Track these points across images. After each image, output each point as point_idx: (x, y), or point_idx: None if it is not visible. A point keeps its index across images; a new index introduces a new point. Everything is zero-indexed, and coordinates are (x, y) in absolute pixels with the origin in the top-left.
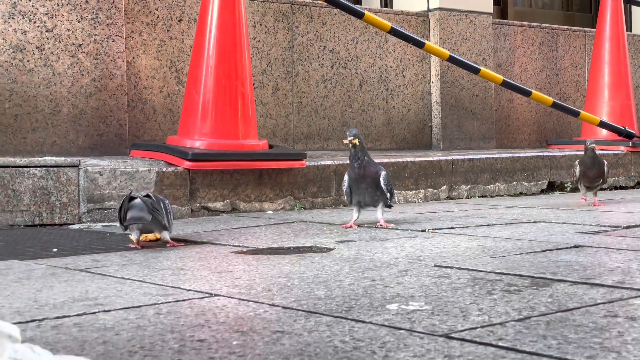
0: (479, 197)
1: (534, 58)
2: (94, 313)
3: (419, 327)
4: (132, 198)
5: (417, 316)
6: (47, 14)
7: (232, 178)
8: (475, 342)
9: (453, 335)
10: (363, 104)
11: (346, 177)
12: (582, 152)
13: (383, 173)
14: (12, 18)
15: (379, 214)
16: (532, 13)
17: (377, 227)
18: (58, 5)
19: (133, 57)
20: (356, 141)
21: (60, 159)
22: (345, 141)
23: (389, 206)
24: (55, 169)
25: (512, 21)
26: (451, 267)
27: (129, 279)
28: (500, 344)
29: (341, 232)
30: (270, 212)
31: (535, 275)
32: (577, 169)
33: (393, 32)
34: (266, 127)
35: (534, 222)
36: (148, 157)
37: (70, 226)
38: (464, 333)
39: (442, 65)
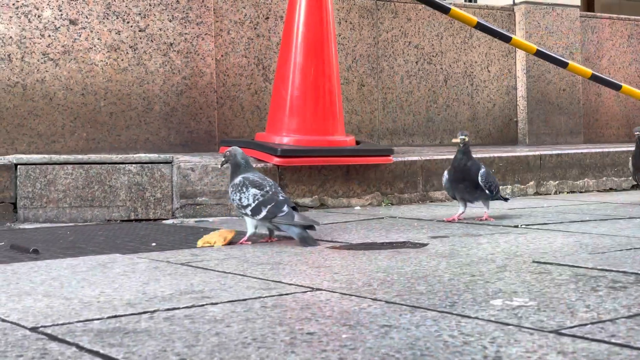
0: (567, 192)
1: (622, 51)
2: (203, 305)
3: (526, 323)
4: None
5: (523, 312)
6: (139, 13)
7: (320, 174)
8: (587, 338)
9: (563, 331)
10: (448, 99)
11: (445, 173)
12: None
13: (482, 171)
14: (107, 18)
15: (484, 209)
16: (620, 5)
17: (478, 222)
18: (150, 5)
19: (222, 55)
20: (465, 139)
21: (154, 156)
22: (456, 140)
23: (505, 199)
24: (150, 165)
25: (599, 14)
26: (550, 263)
27: (230, 272)
28: (613, 340)
29: (433, 227)
30: (357, 207)
31: None
32: None
33: (479, 27)
34: (352, 124)
35: (629, 218)
36: None
37: (164, 221)
38: (574, 329)
39: (527, 59)
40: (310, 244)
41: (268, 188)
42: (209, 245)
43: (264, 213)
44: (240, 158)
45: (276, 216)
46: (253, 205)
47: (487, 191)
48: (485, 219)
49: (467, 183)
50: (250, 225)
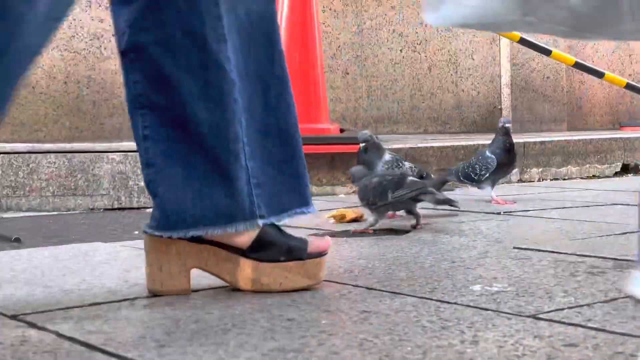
0: (550, 180)
1: None
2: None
3: (505, 308)
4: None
5: (502, 297)
6: None
7: None
8: (563, 322)
9: (540, 316)
10: (432, 87)
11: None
12: None
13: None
14: (90, 6)
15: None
16: None
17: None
18: None
19: None
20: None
21: None
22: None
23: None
24: (133, 153)
25: None
26: (531, 249)
27: None
28: (589, 324)
29: None
30: (342, 195)
31: (618, 257)
32: None
33: None
34: (336, 112)
35: (612, 204)
36: None
37: (148, 210)
38: (552, 314)
39: (512, 47)
40: None
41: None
42: (341, 221)
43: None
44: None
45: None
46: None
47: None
48: None
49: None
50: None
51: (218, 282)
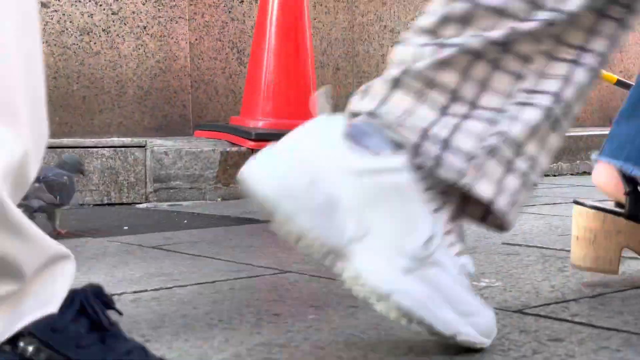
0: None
1: None
2: (170, 288)
3: (492, 303)
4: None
5: (490, 292)
6: None
7: None
8: (550, 317)
9: (527, 311)
10: None
11: None
12: None
13: None
14: (79, 1)
15: None
16: None
17: None
18: None
19: (196, 39)
20: None
21: (127, 140)
22: None
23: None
24: (123, 149)
25: None
26: (519, 245)
27: (200, 255)
28: (575, 319)
29: None
30: None
31: None
32: None
33: None
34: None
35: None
36: (212, 138)
37: (138, 205)
38: (538, 309)
39: None
40: None
41: None
42: None
43: None
44: None
45: None
46: None
47: None
48: None
49: None
50: None
51: (206, 277)
